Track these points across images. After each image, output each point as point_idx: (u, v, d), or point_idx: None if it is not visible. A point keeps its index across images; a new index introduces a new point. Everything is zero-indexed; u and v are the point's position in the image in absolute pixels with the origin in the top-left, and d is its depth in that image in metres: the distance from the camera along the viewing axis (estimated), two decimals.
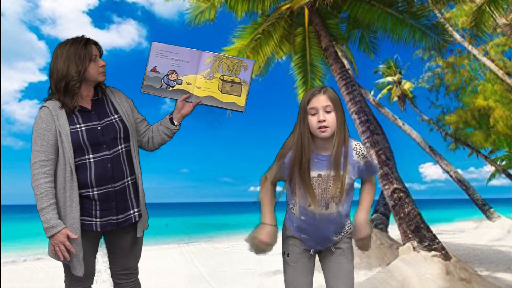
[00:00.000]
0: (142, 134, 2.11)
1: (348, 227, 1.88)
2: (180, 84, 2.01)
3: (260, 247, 1.79)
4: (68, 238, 1.83)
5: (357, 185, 1.86)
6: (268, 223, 1.80)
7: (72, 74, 1.86)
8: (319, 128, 1.70)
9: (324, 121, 1.69)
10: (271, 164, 1.85)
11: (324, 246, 1.87)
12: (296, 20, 8.38)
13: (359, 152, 1.76)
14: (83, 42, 1.91)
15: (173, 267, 8.67)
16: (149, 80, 2.00)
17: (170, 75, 2.00)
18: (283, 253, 1.92)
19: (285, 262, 1.91)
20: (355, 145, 1.76)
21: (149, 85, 2.00)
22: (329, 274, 1.88)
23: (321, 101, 1.70)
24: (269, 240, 1.79)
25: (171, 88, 2.01)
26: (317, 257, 1.94)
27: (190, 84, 2.01)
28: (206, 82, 2.00)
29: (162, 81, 2.00)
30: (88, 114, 1.95)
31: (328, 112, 1.70)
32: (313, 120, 1.71)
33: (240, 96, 2.00)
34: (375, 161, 6.47)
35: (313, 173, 1.74)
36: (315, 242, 1.86)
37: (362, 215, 1.83)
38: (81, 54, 1.88)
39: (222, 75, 2.00)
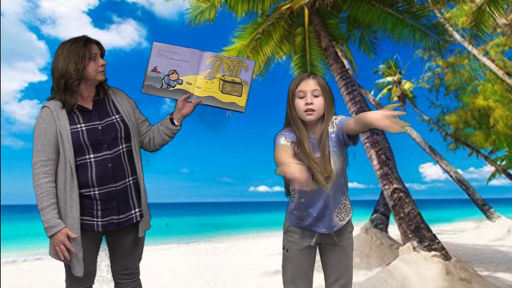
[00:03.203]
0: (144, 134, 2.11)
1: (348, 210, 1.88)
2: (181, 84, 2.01)
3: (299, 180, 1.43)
4: (69, 237, 1.84)
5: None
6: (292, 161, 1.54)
7: (71, 72, 1.87)
8: (306, 111, 1.71)
9: (311, 104, 1.71)
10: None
11: (327, 227, 1.84)
12: (296, 20, 8.38)
13: (331, 124, 1.76)
14: (83, 41, 1.91)
15: (173, 267, 8.67)
16: (150, 80, 2.00)
17: (170, 75, 2.00)
18: (283, 248, 1.92)
19: (284, 257, 1.91)
20: (331, 120, 1.77)
21: (149, 85, 2.00)
22: (328, 270, 1.90)
23: (309, 85, 1.73)
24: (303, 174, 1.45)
25: (171, 88, 2.01)
26: (317, 257, 1.94)
27: (190, 84, 2.01)
28: (206, 82, 2.00)
29: (163, 81, 2.00)
30: (89, 114, 1.95)
31: (316, 96, 1.72)
32: (300, 103, 1.73)
33: (240, 96, 2.00)
34: (375, 161, 6.46)
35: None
36: (317, 221, 1.84)
37: (367, 113, 1.50)
38: (80, 53, 1.89)
39: (223, 75, 2.00)
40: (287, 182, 1.86)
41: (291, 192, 1.87)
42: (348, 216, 1.89)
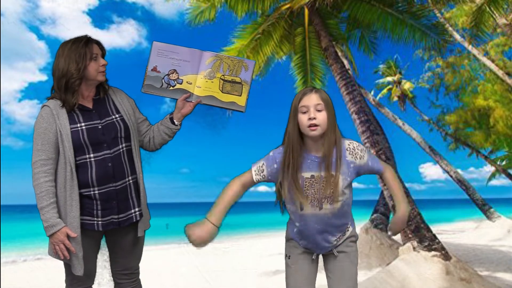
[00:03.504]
0: (144, 134, 2.11)
1: (348, 230, 1.85)
2: (181, 84, 2.01)
3: (196, 242, 1.72)
4: (68, 237, 1.84)
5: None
6: (211, 221, 1.72)
7: (72, 71, 1.87)
8: (309, 126, 1.68)
9: (314, 118, 1.67)
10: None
11: (324, 250, 1.84)
12: (296, 20, 8.37)
13: (353, 152, 1.73)
14: (84, 41, 1.92)
15: (173, 267, 8.67)
16: (150, 79, 2.00)
17: (170, 75, 2.00)
18: (285, 256, 1.91)
19: (286, 265, 1.89)
20: (348, 144, 1.73)
21: (149, 84, 2.00)
22: (332, 277, 1.84)
23: (312, 99, 1.70)
24: (206, 237, 1.70)
25: (171, 88, 2.01)
26: (320, 259, 1.92)
27: (190, 83, 2.01)
28: (206, 81, 2.01)
29: (163, 80, 2.00)
30: (89, 113, 1.95)
31: (319, 111, 1.69)
32: (303, 118, 1.69)
33: (240, 96, 2.00)
34: None
35: (306, 174, 1.71)
36: (315, 246, 1.83)
37: (401, 208, 1.79)
38: (81, 52, 1.89)
39: (223, 75, 2.00)
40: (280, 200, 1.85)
41: (289, 214, 1.86)
42: (347, 237, 1.86)
